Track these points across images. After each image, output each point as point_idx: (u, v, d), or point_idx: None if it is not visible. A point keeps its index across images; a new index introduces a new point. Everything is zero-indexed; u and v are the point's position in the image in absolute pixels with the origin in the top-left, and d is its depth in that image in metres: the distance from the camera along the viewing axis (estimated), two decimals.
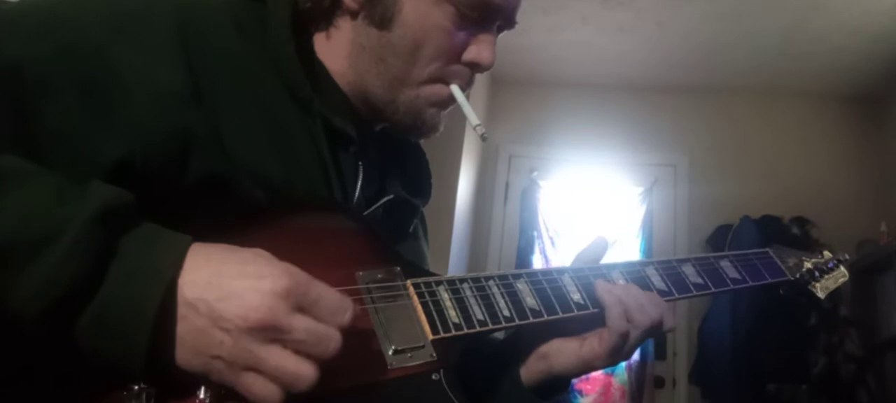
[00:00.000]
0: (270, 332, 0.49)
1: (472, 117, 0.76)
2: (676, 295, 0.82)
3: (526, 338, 0.78)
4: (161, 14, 0.63)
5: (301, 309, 0.51)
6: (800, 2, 2.97)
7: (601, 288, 0.76)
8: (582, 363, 0.76)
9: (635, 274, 0.81)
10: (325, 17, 0.76)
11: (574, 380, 3.33)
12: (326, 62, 0.76)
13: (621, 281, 0.80)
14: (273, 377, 0.49)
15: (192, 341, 0.49)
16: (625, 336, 0.74)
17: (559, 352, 0.76)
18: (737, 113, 3.83)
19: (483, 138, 0.77)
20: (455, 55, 0.74)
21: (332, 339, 0.51)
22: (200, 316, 0.49)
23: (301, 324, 0.50)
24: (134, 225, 0.50)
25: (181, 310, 0.49)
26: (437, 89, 0.75)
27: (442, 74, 0.75)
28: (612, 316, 0.74)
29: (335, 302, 0.53)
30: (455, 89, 0.76)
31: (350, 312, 0.53)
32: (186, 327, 0.49)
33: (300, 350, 0.50)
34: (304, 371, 0.50)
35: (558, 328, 0.76)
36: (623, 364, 3.47)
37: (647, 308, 0.75)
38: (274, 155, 0.66)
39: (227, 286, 0.49)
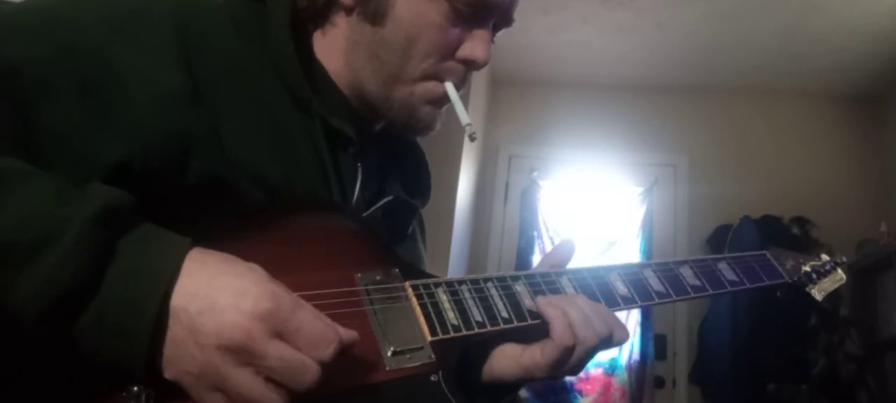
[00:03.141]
0: (243, 355, 0.47)
1: (463, 116, 0.75)
2: (674, 297, 0.82)
3: (484, 342, 0.75)
4: (161, 14, 0.63)
5: (280, 335, 0.49)
6: (800, 2, 2.97)
7: (543, 302, 0.71)
8: (522, 370, 0.72)
9: (633, 276, 0.81)
10: (321, 15, 0.76)
11: (573, 381, 3.23)
12: (324, 61, 0.76)
13: (619, 284, 0.79)
14: (237, 402, 0.48)
15: (169, 351, 0.48)
16: (569, 351, 0.68)
17: (501, 356, 0.74)
18: (737, 113, 3.83)
19: (471, 138, 0.75)
20: (449, 52, 0.74)
21: (308, 371, 0.48)
22: (181, 326, 0.48)
23: (276, 351, 0.48)
24: (133, 226, 0.50)
25: (169, 317, 0.48)
26: (431, 87, 0.74)
27: (436, 71, 0.74)
28: (556, 328, 0.68)
29: (318, 334, 0.50)
30: (449, 87, 0.75)
31: (335, 346, 0.50)
32: (169, 335, 0.48)
33: (272, 378, 0.48)
34: (269, 402, 0.48)
35: (519, 334, 0.72)
36: (623, 364, 3.47)
37: (593, 321, 0.69)
38: (273, 155, 0.66)
39: (210, 299, 0.48)
